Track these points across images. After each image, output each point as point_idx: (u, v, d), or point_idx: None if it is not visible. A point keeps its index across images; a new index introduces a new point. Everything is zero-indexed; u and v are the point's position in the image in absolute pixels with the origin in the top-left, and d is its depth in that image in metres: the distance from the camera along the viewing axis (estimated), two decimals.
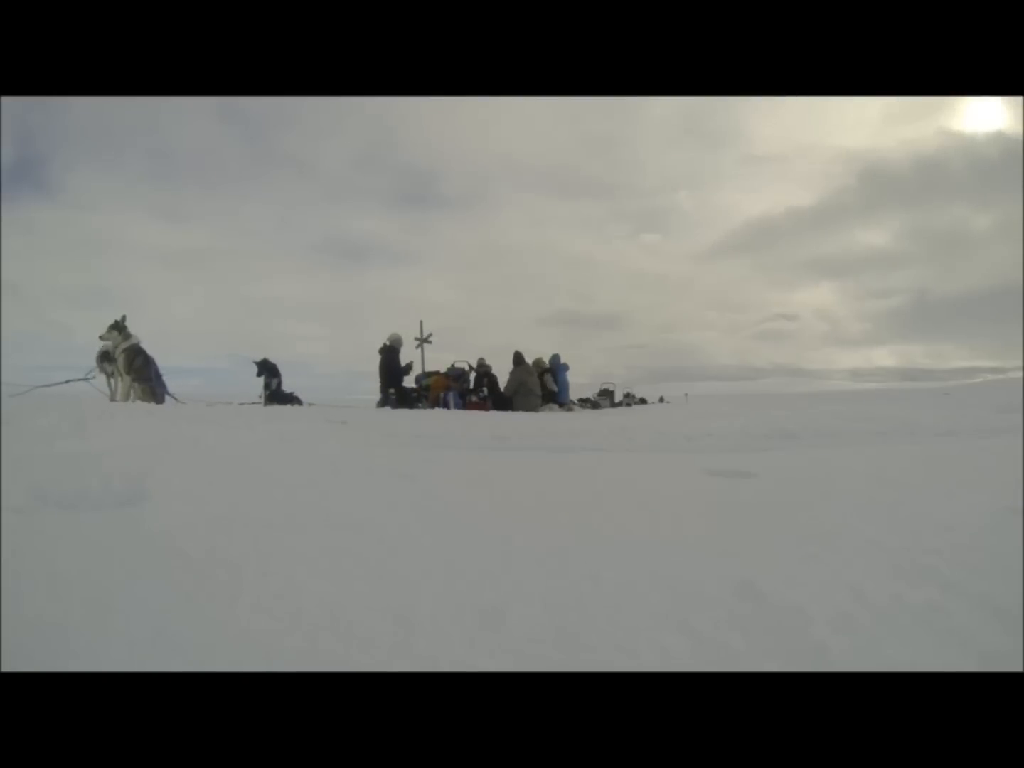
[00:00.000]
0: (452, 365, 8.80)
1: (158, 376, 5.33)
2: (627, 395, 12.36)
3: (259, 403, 6.71)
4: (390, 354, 8.02)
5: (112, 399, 5.16)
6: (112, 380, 5.33)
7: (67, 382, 5.39)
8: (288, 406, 6.30)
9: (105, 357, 5.28)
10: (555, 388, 8.66)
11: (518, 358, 8.45)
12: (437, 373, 8.57)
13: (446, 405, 7.75)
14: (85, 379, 5.39)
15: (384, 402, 7.72)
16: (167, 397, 5.34)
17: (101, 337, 5.22)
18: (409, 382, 8.94)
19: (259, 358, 7.21)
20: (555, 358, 9.04)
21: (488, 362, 9.33)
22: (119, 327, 5.20)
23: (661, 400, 13.21)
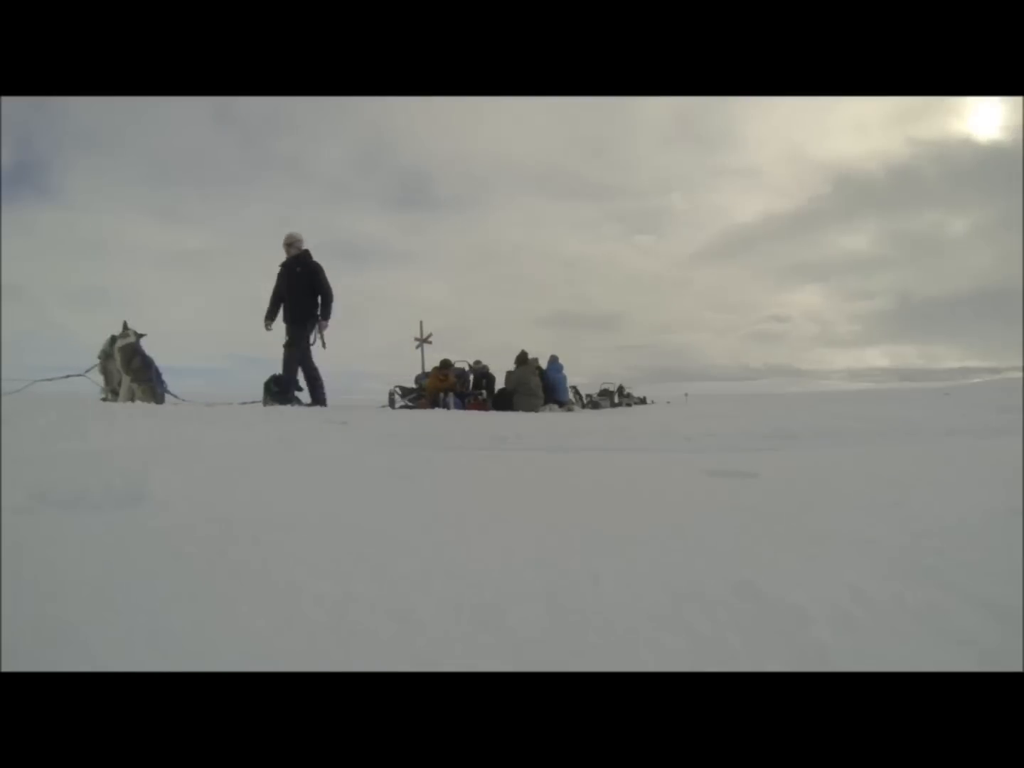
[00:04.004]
0: (451, 364, 8.78)
1: (158, 376, 5.33)
2: (626, 394, 12.32)
3: (259, 403, 6.70)
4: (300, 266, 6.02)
5: (104, 398, 5.16)
6: (109, 378, 5.32)
7: (67, 377, 5.41)
8: (288, 406, 6.29)
9: (108, 356, 5.28)
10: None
11: (522, 357, 8.45)
12: (436, 370, 8.57)
13: (446, 406, 7.76)
14: (85, 375, 5.40)
15: (392, 403, 7.73)
16: (168, 396, 5.34)
17: (119, 337, 5.23)
18: (409, 382, 8.93)
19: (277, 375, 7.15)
20: (552, 359, 9.05)
21: (484, 362, 9.33)
22: (124, 327, 5.22)
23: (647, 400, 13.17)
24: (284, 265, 6.17)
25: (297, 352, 6.06)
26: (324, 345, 6.15)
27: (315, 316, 6.05)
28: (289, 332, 6.05)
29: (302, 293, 6.03)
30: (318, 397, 6.11)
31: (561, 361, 8.95)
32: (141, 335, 5.22)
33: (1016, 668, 0.61)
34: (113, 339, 5.26)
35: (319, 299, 6.06)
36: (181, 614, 0.70)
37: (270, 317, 6.16)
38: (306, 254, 6.16)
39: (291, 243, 6.22)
